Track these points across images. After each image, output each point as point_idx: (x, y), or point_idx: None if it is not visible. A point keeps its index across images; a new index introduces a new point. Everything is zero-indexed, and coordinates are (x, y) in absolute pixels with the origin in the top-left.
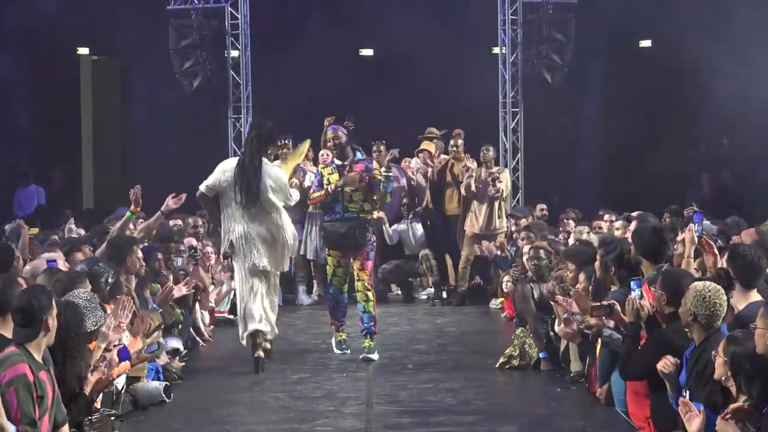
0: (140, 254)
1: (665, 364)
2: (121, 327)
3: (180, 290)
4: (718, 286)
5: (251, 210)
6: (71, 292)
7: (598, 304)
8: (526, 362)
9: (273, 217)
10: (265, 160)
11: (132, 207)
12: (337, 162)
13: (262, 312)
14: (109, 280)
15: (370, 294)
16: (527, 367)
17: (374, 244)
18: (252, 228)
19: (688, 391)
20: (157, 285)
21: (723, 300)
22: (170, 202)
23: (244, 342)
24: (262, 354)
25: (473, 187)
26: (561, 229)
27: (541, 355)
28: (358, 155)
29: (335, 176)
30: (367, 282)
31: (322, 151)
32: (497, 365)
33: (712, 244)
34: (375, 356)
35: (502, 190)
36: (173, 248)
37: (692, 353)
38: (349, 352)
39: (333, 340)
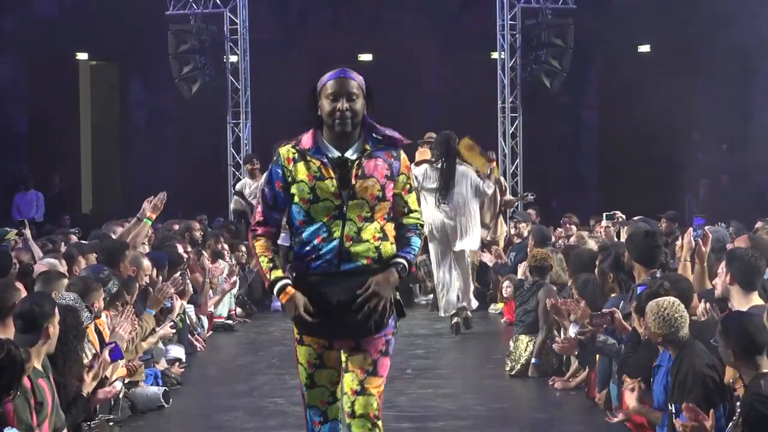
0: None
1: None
2: (134, 326)
3: (170, 289)
4: (672, 298)
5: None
6: (58, 294)
7: (599, 312)
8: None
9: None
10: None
11: (149, 214)
12: (333, 153)
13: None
14: (114, 287)
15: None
16: (547, 374)
17: (397, 326)
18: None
19: (673, 405)
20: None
21: (681, 310)
22: (146, 207)
23: (442, 313)
24: (460, 320)
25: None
26: (563, 233)
27: (533, 361)
28: (372, 141)
29: (327, 185)
30: (374, 406)
31: None
32: (514, 373)
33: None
34: None
35: (500, 180)
36: (180, 270)
37: (672, 366)
38: None
39: None
